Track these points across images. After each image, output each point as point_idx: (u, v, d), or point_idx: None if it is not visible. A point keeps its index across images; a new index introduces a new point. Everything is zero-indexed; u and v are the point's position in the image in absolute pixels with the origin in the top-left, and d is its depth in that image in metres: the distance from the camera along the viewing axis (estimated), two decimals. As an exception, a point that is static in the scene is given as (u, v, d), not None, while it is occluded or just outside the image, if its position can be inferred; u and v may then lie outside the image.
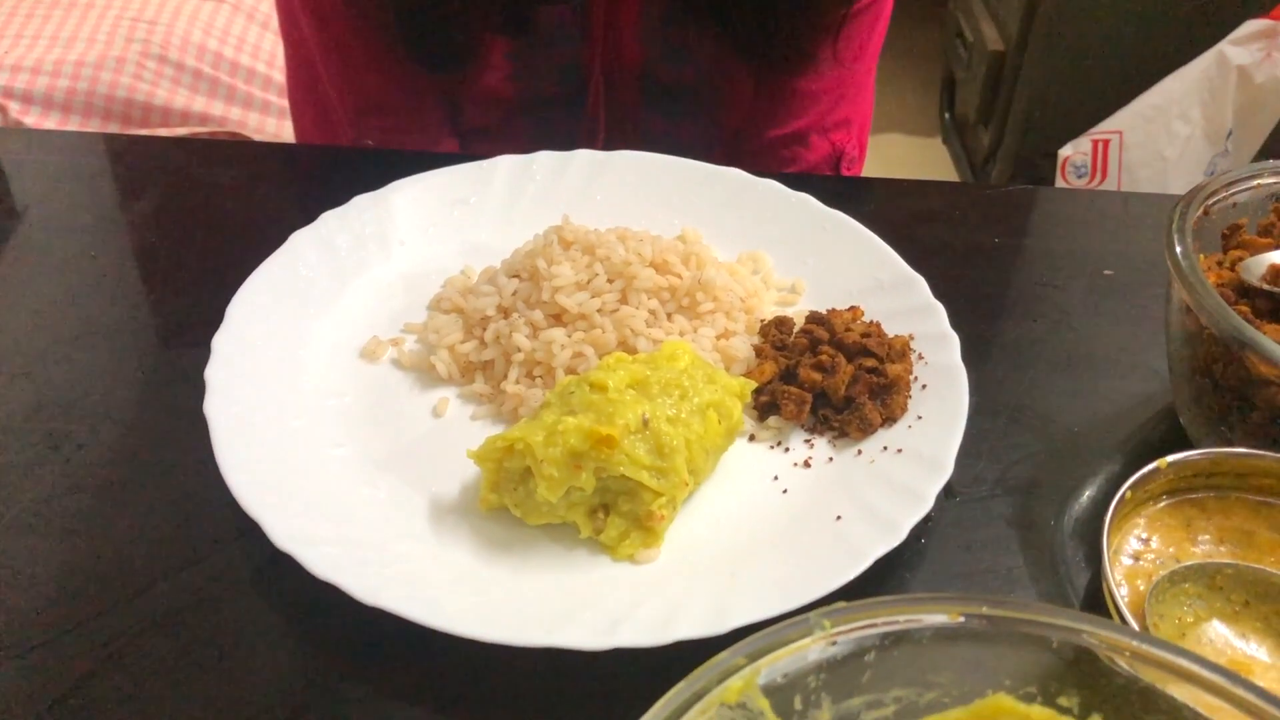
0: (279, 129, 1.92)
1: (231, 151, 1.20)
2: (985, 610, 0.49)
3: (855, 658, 0.49)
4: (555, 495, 0.70)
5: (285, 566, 0.64)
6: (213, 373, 0.78)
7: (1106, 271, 0.98)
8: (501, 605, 0.64)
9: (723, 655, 0.46)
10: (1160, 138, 2.54)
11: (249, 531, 0.67)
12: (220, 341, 0.81)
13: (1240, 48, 2.39)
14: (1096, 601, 0.66)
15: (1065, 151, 2.61)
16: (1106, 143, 2.61)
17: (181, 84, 1.86)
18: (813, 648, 0.48)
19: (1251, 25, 2.37)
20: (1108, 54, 2.54)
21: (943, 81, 3.27)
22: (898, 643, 0.50)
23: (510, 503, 0.72)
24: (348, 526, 0.69)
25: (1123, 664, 0.48)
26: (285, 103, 1.33)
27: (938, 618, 0.49)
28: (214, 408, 0.76)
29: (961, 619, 0.49)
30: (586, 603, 0.64)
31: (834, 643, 0.48)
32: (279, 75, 1.88)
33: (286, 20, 1.18)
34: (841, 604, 0.49)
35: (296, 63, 1.22)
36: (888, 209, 1.03)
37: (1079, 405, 0.85)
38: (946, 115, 3.25)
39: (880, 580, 0.71)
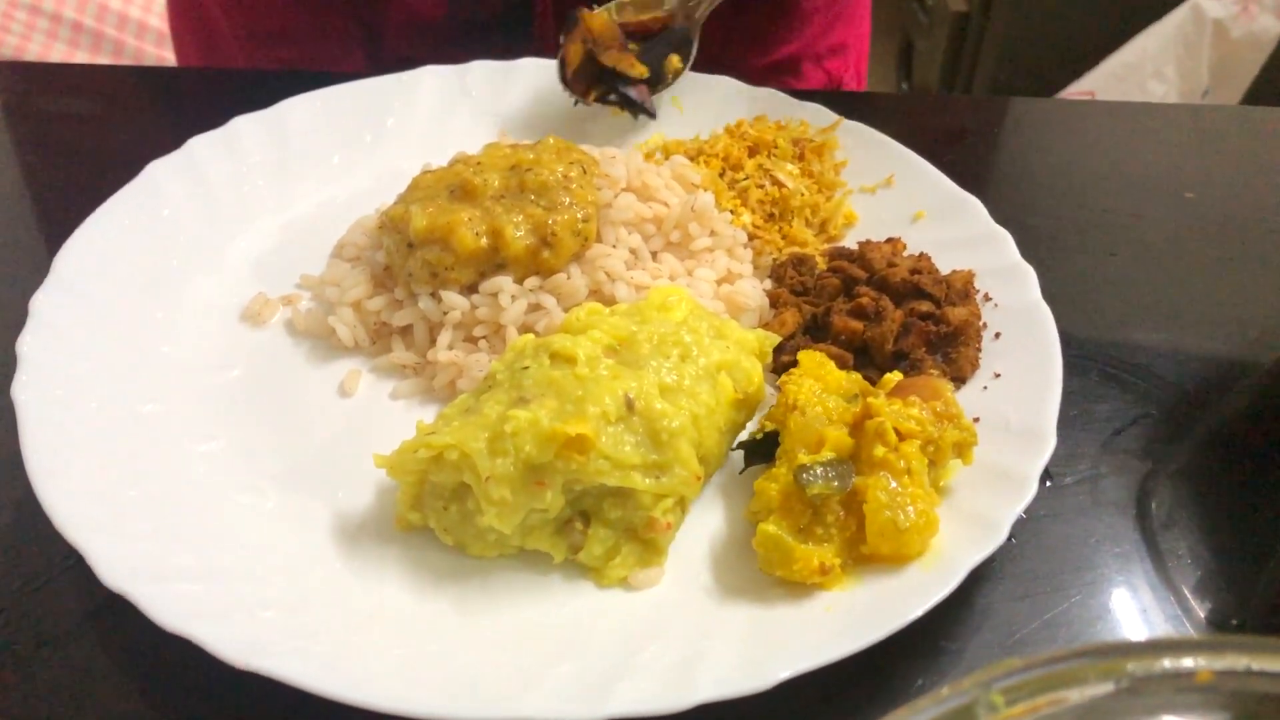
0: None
1: (83, 77, 0.96)
2: (1247, 663, 0.29)
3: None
4: (509, 525, 0.49)
5: (126, 614, 0.47)
6: (27, 344, 0.57)
7: (1187, 194, 0.80)
8: (440, 661, 0.48)
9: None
10: (1134, 97, 2.45)
11: (79, 563, 0.47)
12: (41, 303, 0.59)
13: (1216, 1, 2.29)
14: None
15: (1037, 114, 2.47)
16: (1078, 104, 2.49)
17: (58, 38, 1.61)
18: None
19: (1229, -24, 2.25)
20: (1077, 11, 2.44)
21: (899, 50, 3.11)
22: (1103, 721, 0.30)
23: (439, 526, 0.52)
24: (216, 553, 0.52)
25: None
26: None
27: (1167, 678, 0.29)
28: (25, 389, 0.55)
29: (1212, 679, 0.29)
30: (565, 651, 0.48)
31: (1010, 729, 0.28)
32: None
33: None
34: (1013, 663, 0.29)
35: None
36: (910, 128, 0.83)
37: (1182, 355, 0.67)
38: (904, 85, 3.10)
39: (966, 601, 0.51)
